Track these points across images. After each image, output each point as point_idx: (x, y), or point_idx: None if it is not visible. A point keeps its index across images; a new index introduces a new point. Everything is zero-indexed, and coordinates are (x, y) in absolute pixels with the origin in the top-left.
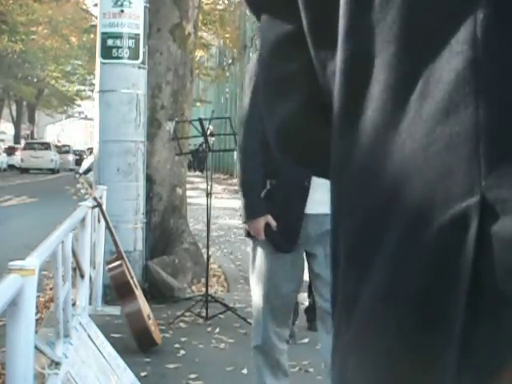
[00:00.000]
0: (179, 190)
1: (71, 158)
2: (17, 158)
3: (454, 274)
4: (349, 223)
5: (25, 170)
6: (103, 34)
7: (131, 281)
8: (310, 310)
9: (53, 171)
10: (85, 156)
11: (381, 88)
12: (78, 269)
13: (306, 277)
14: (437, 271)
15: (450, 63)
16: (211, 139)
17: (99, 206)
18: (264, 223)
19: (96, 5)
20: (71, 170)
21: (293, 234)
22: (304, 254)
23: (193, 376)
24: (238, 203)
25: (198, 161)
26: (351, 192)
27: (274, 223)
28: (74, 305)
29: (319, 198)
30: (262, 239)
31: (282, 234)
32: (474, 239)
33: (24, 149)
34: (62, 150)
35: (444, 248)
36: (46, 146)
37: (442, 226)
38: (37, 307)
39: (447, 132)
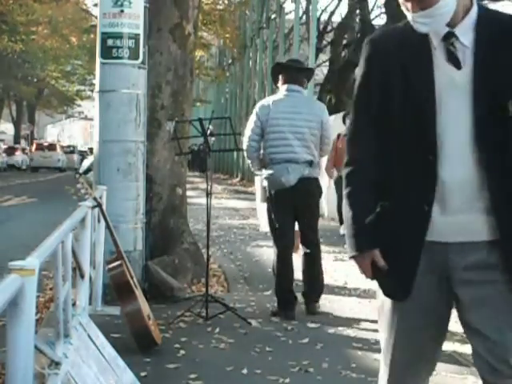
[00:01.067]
0: (179, 190)
1: (76, 157)
2: (17, 158)
3: None
4: None
5: (35, 169)
6: (103, 33)
7: (131, 281)
8: (306, 296)
9: (60, 170)
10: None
11: None
12: (78, 269)
13: (299, 268)
14: None
15: None
16: (211, 139)
17: (99, 205)
18: (370, 260)
19: (96, 5)
20: (75, 169)
21: (407, 277)
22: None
23: (193, 376)
24: (237, 203)
25: (198, 161)
26: None
27: (381, 262)
28: (74, 305)
29: (464, 221)
30: (370, 279)
31: (394, 276)
32: None
33: (35, 149)
34: (68, 150)
35: None
36: (53, 147)
37: None
38: (37, 307)
39: None
